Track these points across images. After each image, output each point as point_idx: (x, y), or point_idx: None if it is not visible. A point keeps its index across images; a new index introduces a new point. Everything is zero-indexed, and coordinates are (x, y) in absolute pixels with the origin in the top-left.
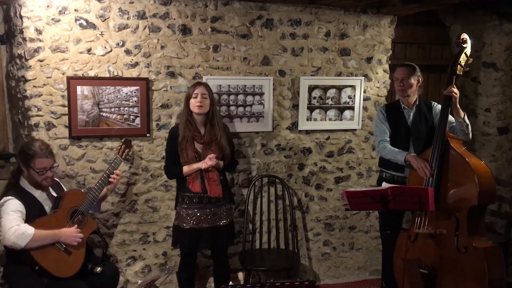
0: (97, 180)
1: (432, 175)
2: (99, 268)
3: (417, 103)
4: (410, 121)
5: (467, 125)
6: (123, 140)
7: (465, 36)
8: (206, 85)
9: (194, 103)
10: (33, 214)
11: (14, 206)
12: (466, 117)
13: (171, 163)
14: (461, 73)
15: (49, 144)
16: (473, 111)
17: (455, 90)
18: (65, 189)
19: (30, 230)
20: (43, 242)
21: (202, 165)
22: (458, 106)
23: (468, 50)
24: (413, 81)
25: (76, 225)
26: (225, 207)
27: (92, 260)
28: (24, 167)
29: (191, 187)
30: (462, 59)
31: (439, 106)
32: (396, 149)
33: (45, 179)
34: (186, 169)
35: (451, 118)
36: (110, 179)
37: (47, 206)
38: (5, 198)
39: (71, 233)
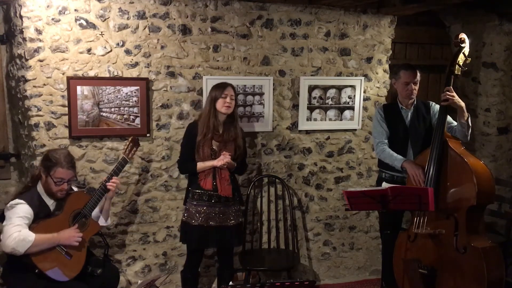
0: (99, 180)
1: (429, 180)
2: (99, 270)
3: (415, 103)
4: (408, 121)
5: (469, 127)
6: (130, 139)
7: (463, 36)
8: (233, 87)
9: (222, 103)
10: (40, 220)
11: (22, 212)
12: (469, 119)
13: (186, 158)
14: (460, 73)
15: (74, 157)
16: (473, 111)
17: (451, 93)
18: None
19: (30, 236)
20: (43, 246)
21: (217, 162)
22: (462, 107)
23: (466, 50)
24: (418, 82)
25: (76, 226)
26: (234, 207)
27: (93, 262)
28: (43, 173)
29: (203, 184)
30: (460, 59)
31: (437, 106)
32: (394, 154)
33: (60, 191)
34: (200, 165)
35: (449, 118)
36: (108, 185)
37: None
38: (17, 201)
39: (69, 234)
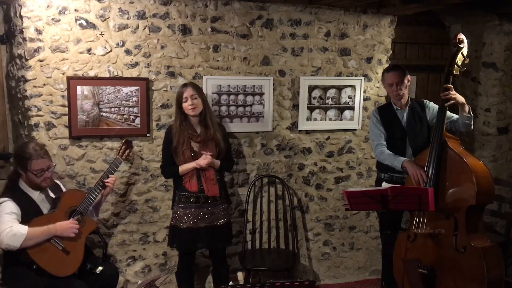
0: (98, 180)
1: (430, 179)
2: (99, 268)
3: (409, 103)
4: (405, 122)
5: (472, 116)
6: (123, 141)
7: (461, 36)
8: (193, 85)
9: (187, 107)
10: (29, 216)
11: (8, 209)
12: (471, 110)
13: (167, 163)
14: (458, 73)
15: (44, 144)
16: (473, 111)
17: (452, 92)
18: (64, 190)
19: (22, 230)
20: (40, 238)
21: (196, 164)
22: (463, 103)
23: (464, 50)
24: (406, 82)
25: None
26: (222, 206)
27: (92, 261)
28: (21, 171)
29: (188, 186)
30: (459, 59)
31: (431, 104)
32: (393, 154)
33: (44, 180)
34: (182, 168)
35: (448, 113)
36: (106, 182)
37: (45, 208)
38: (0, 200)
39: (66, 225)
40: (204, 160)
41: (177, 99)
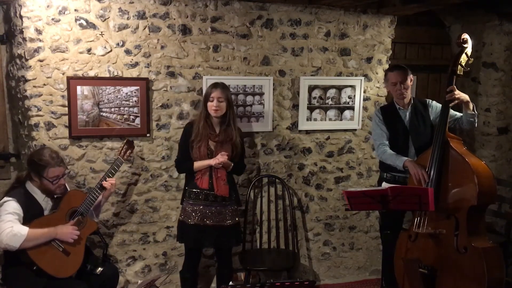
0: (98, 180)
1: (431, 179)
2: (99, 269)
3: (412, 102)
4: (407, 121)
5: (476, 115)
6: (125, 141)
7: (465, 36)
8: (223, 87)
9: (210, 106)
10: (32, 217)
11: (11, 208)
12: (475, 108)
13: (183, 158)
14: (462, 73)
15: (57, 151)
16: None
17: (456, 92)
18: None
19: (23, 230)
20: (39, 240)
21: (213, 161)
22: (467, 101)
23: (468, 50)
24: (409, 81)
25: (74, 222)
26: (231, 207)
27: (92, 261)
28: (36, 177)
29: (199, 183)
30: (463, 59)
31: (434, 103)
32: (396, 154)
33: (58, 187)
34: (197, 164)
35: (451, 112)
36: (104, 184)
37: (48, 209)
38: (4, 199)
39: (67, 229)
40: (221, 158)
41: (204, 97)
